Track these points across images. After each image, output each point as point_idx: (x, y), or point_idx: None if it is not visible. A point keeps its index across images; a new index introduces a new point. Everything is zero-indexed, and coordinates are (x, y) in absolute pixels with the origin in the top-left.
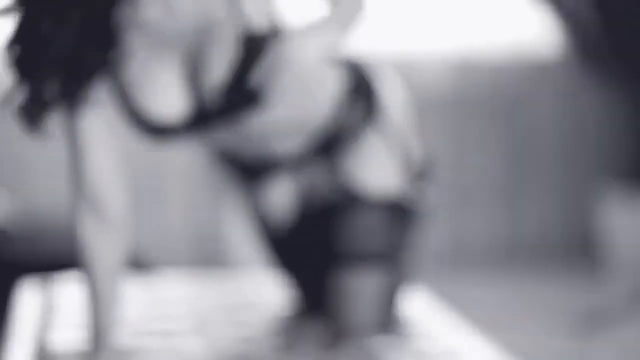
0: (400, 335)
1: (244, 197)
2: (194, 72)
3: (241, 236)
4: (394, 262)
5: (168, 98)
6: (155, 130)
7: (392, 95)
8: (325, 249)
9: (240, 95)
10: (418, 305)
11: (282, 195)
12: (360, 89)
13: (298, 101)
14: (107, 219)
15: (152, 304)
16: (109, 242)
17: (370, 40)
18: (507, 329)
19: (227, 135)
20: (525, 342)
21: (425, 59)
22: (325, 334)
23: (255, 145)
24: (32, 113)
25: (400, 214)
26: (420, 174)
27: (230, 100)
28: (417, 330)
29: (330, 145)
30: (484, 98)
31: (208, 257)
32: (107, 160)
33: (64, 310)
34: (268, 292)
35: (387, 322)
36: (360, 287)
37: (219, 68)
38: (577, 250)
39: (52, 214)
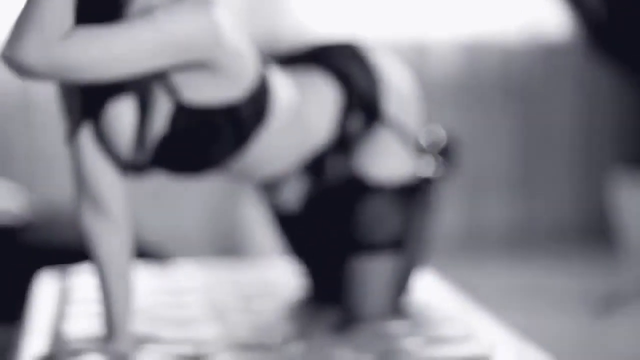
0: (413, 320)
1: (260, 188)
2: (142, 121)
3: (258, 226)
4: (406, 248)
5: (127, 140)
6: (125, 165)
7: (395, 80)
8: (338, 237)
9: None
10: (431, 290)
11: (295, 186)
12: (357, 96)
13: (295, 134)
14: (106, 211)
15: (168, 292)
16: (110, 231)
17: (381, 25)
18: (522, 312)
19: (225, 168)
20: (540, 324)
21: (436, 42)
22: (339, 320)
23: (256, 172)
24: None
25: (411, 199)
26: (442, 153)
27: (156, 158)
28: (430, 315)
29: (336, 145)
30: (496, 81)
31: (226, 248)
32: (101, 159)
33: (80, 300)
34: (283, 280)
35: (400, 307)
36: (372, 273)
37: (157, 121)
38: (593, 234)
39: (67, 207)
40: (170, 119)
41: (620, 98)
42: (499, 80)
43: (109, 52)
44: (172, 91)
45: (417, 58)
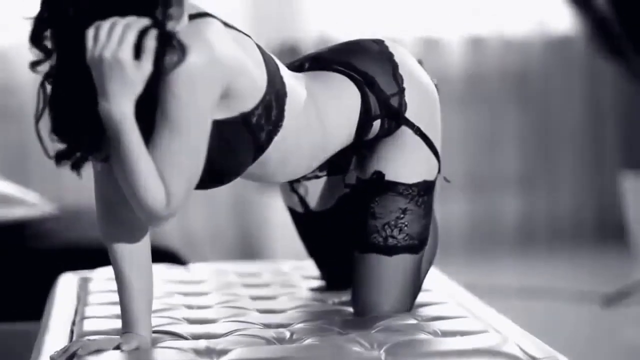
0: (424, 315)
1: (282, 189)
2: None
3: (279, 229)
4: (420, 246)
5: None
6: None
7: (418, 81)
8: (358, 236)
9: None
10: (441, 286)
11: (318, 186)
12: (380, 98)
13: (314, 136)
14: (123, 218)
15: (185, 293)
16: (127, 234)
17: (388, 20)
18: (532, 307)
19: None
20: (550, 319)
21: (444, 38)
22: (354, 317)
23: (277, 174)
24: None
25: (429, 199)
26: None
27: None
28: (440, 310)
29: (359, 146)
30: (504, 77)
31: (248, 251)
32: None
33: (99, 303)
34: (299, 281)
35: (411, 304)
36: (389, 272)
37: None
38: (601, 231)
39: (89, 207)
40: None
41: (631, 90)
42: (507, 76)
43: (188, 158)
44: None
45: (426, 54)
